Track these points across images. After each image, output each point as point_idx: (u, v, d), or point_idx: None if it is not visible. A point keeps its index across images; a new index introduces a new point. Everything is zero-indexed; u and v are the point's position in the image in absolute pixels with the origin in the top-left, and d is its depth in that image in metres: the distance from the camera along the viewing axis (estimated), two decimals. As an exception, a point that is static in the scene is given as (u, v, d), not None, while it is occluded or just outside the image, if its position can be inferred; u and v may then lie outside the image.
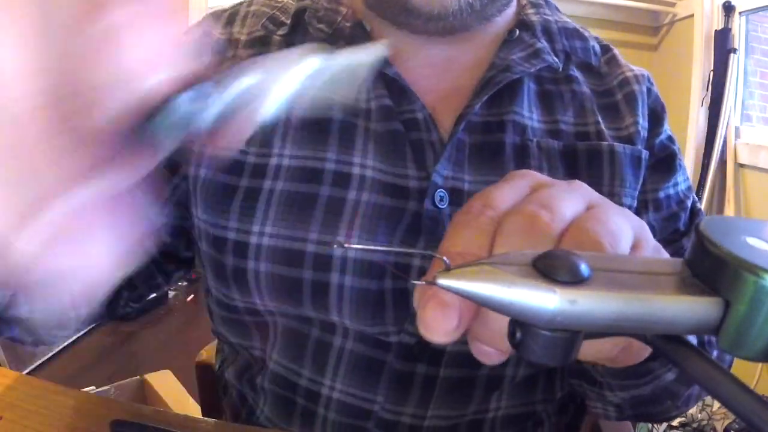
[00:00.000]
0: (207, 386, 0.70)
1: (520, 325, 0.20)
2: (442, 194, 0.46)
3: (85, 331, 2.06)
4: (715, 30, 2.05)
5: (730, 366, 0.55)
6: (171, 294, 2.41)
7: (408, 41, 0.49)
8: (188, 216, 0.51)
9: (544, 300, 0.19)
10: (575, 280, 0.19)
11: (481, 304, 0.20)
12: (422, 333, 0.23)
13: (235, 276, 0.47)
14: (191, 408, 1.26)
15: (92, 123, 0.16)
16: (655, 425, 1.55)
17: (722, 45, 2.02)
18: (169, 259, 0.55)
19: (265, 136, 0.48)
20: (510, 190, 0.27)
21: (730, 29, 2.01)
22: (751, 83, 2.06)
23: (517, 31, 0.51)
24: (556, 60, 0.51)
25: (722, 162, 2.00)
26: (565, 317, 0.19)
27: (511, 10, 0.52)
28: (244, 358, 0.54)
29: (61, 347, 1.92)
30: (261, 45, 0.51)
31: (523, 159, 0.48)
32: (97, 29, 0.16)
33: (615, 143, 0.50)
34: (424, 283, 0.22)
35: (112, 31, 0.16)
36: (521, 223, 0.24)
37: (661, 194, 0.52)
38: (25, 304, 0.39)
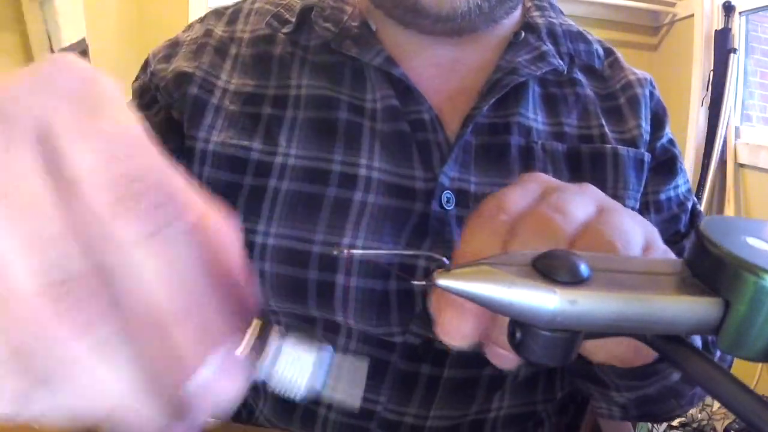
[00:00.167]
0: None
1: (520, 325, 0.20)
2: (448, 195, 0.46)
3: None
4: (715, 30, 2.05)
5: (729, 366, 0.55)
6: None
7: (414, 41, 0.49)
8: None
9: (544, 300, 0.19)
10: (575, 280, 0.19)
11: (480, 305, 0.20)
12: (440, 337, 0.23)
13: None
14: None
15: None
16: (655, 425, 1.55)
17: (722, 45, 2.01)
18: None
19: (270, 132, 0.48)
20: (522, 193, 0.27)
21: (730, 29, 2.01)
22: (751, 83, 2.05)
23: (523, 34, 0.51)
24: (561, 63, 0.51)
25: (722, 162, 2.00)
26: (565, 317, 0.19)
27: (517, 13, 0.52)
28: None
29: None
30: (265, 43, 0.51)
31: (528, 161, 0.48)
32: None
33: (618, 146, 0.50)
34: (424, 283, 0.22)
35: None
36: (535, 225, 0.24)
37: (662, 196, 0.53)
38: None
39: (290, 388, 0.20)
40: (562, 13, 0.56)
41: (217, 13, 0.55)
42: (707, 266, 0.19)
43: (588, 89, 0.52)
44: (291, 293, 0.46)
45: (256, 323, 0.20)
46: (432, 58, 0.50)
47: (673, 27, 2.35)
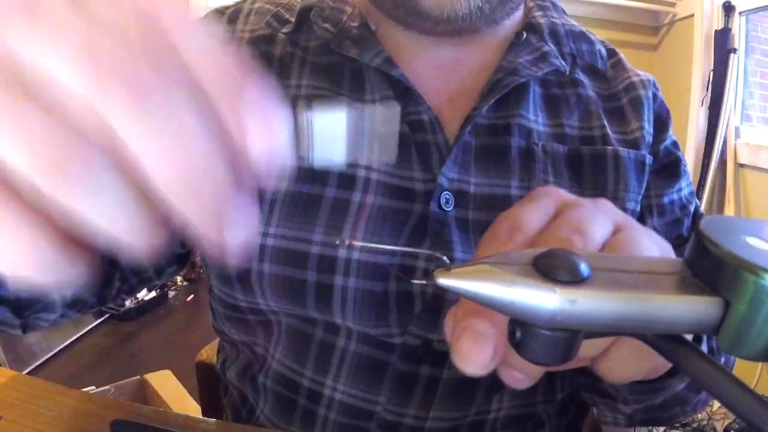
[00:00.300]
0: (207, 386, 0.70)
1: (520, 324, 0.20)
2: (447, 196, 0.46)
3: (85, 331, 2.06)
4: (715, 30, 2.05)
5: (731, 367, 0.55)
6: (171, 294, 2.41)
7: (415, 42, 0.49)
8: None
9: (544, 299, 0.19)
10: (575, 279, 0.19)
11: (480, 304, 0.20)
12: (458, 365, 0.22)
13: (239, 276, 0.47)
14: (191, 408, 1.26)
15: None
16: (656, 426, 1.55)
17: (722, 45, 2.02)
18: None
19: None
20: (536, 210, 0.27)
21: (730, 29, 2.01)
22: (751, 83, 2.06)
23: (525, 34, 0.51)
24: (563, 63, 0.51)
25: (722, 162, 2.00)
26: (565, 317, 0.19)
27: (518, 13, 0.52)
28: (246, 356, 0.54)
29: (61, 347, 1.92)
30: (266, 43, 0.51)
31: (528, 163, 0.48)
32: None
33: (620, 148, 0.50)
34: (424, 282, 0.22)
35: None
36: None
37: (665, 199, 0.52)
38: (7, 283, 0.38)
39: (330, 156, 0.20)
40: (564, 13, 0.55)
41: (218, 13, 0.55)
42: (707, 266, 0.19)
43: (590, 90, 0.52)
44: (290, 294, 0.46)
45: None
46: (432, 59, 0.50)
47: (673, 27, 2.35)
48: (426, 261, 0.45)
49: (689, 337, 0.21)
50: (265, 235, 0.46)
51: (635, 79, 0.54)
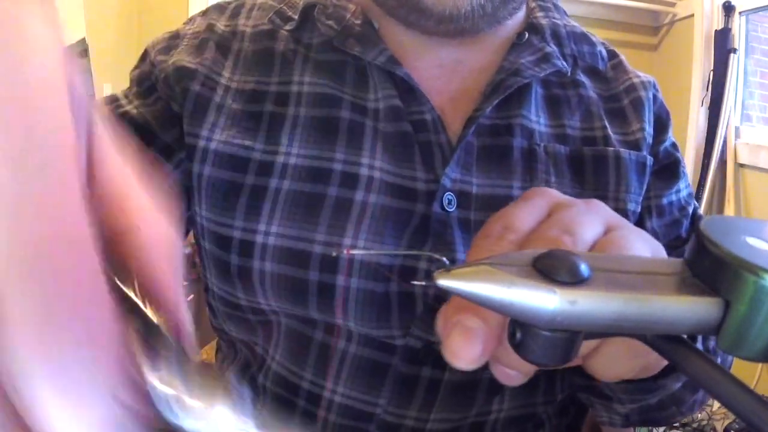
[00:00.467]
0: (207, 386, 0.70)
1: (520, 325, 0.20)
2: (450, 197, 0.45)
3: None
4: (715, 30, 2.05)
5: (729, 366, 0.55)
6: (171, 294, 2.41)
7: (417, 42, 0.49)
8: (184, 207, 0.51)
9: (544, 300, 0.19)
10: (575, 280, 0.19)
11: (480, 305, 0.20)
12: (448, 360, 0.23)
13: (239, 275, 0.47)
14: (191, 408, 1.26)
15: None
16: (655, 426, 1.55)
17: (722, 45, 2.02)
18: None
19: (272, 131, 0.48)
20: (529, 210, 0.27)
21: (730, 29, 2.01)
22: (751, 83, 2.06)
23: (527, 35, 0.51)
24: (565, 64, 0.51)
25: (722, 162, 2.01)
26: (565, 317, 0.19)
27: (520, 13, 0.52)
28: (244, 356, 0.54)
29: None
30: (268, 39, 0.51)
31: (530, 163, 0.48)
32: None
33: (621, 149, 0.50)
34: (424, 283, 0.22)
35: None
36: (543, 247, 0.24)
37: (664, 201, 0.52)
38: None
39: None
40: (566, 14, 0.55)
41: (220, 8, 0.55)
42: (707, 266, 0.19)
43: (591, 91, 0.52)
44: (291, 294, 0.45)
45: None
46: (435, 59, 0.50)
47: (673, 27, 2.35)
48: (427, 262, 0.45)
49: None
50: (266, 233, 0.46)
51: (636, 80, 0.54)
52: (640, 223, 0.52)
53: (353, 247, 0.44)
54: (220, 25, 0.52)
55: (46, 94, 0.14)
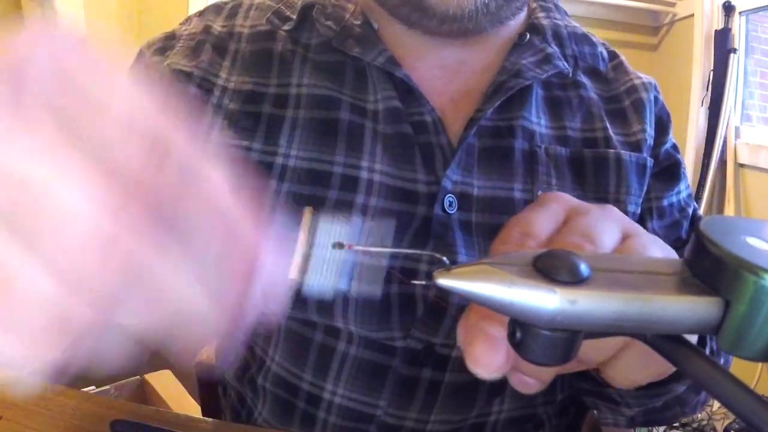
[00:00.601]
0: (207, 386, 0.70)
1: (520, 325, 0.20)
2: (451, 199, 0.45)
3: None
4: (715, 30, 2.05)
5: (728, 368, 0.55)
6: (171, 294, 2.41)
7: (418, 42, 0.48)
8: None
9: (544, 300, 0.19)
10: (575, 280, 0.19)
11: (481, 304, 0.20)
12: (471, 369, 0.23)
13: None
14: (191, 408, 1.26)
15: None
16: (655, 426, 1.55)
17: (722, 45, 2.01)
18: None
19: (271, 132, 0.47)
20: (546, 216, 0.27)
21: (730, 29, 2.01)
22: (751, 83, 2.05)
23: (528, 35, 0.50)
24: (567, 66, 0.50)
25: (722, 162, 2.00)
26: (565, 317, 0.19)
27: (522, 14, 0.52)
28: (244, 356, 0.54)
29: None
30: (265, 39, 0.51)
31: (531, 165, 0.47)
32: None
33: (621, 150, 0.50)
34: (424, 282, 0.22)
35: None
36: None
37: (665, 202, 0.52)
38: None
39: (320, 290, 0.22)
40: (566, 14, 0.55)
41: (217, 8, 0.54)
42: (707, 266, 0.19)
43: (592, 92, 0.52)
44: (291, 297, 0.45)
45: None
46: (435, 60, 0.49)
47: (673, 27, 2.34)
48: (428, 263, 0.45)
49: (693, 339, 0.21)
50: None
51: (637, 81, 0.54)
52: (640, 224, 0.52)
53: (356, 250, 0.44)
54: (217, 25, 0.52)
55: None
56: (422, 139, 0.46)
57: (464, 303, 0.39)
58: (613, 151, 0.50)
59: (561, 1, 0.57)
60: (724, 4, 2.03)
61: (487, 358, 0.22)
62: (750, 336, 0.18)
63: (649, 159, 0.51)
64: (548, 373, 0.25)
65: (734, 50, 1.99)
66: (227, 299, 0.19)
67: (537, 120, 0.49)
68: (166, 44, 0.52)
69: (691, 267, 0.20)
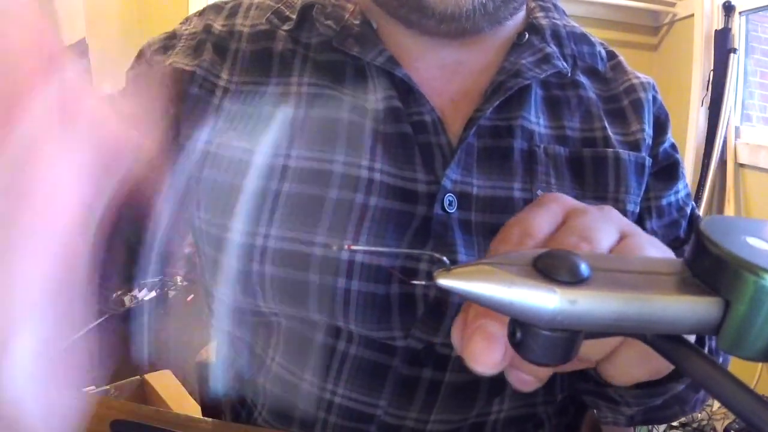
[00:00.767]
0: (207, 386, 0.70)
1: (520, 325, 0.20)
2: (451, 198, 0.45)
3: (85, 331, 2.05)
4: (715, 30, 2.05)
5: (727, 367, 0.55)
6: (171, 294, 2.41)
7: (417, 42, 0.49)
8: (181, 209, 0.50)
9: (545, 300, 0.19)
10: (575, 280, 0.19)
11: (480, 305, 0.20)
12: (469, 365, 0.23)
13: (238, 278, 0.47)
14: (191, 408, 1.26)
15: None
16: (655, 426, 1.55)
17: (722, 45, 2.01)
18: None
19: (271, 134, 0.47)
20: (544, 216, 0.27)
21: (730, 29, 2.01)
22: (751, 83, 2.05)
23: (527, 35, 0.50)
24: (566, 65, 0.50)
25: (722, 162, 2.00)
26: (565, 317, 0.19)
27: (521, 14, 0.52)
28: (244, 356, 0.54)
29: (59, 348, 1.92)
30: (266, 39, 0.51)
31: (530, 165, 0.48)
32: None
33: (620, 150, 0.50)
34: (424, 283, 0.22)
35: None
36: None
37: (664, 201, 0.53)
38: None
39: None
40: (565, 14, 0.55)
41: (217, 8, 0.54)
42: (707, 266, 0.19)
43: (590, 92, 0.52)
44: (292, 296, 0.45)
45: None
46: (434, 60, 0.49)
47: (673, 27, 2.35)
48: (428, 263, 0.45)
49: (692, 338, 0.21)
50: (266, 236, 0.45)
51: (635, 81, 0.54)
52: (639, 224, 0.52)
53: (354, 251, 0.44)
54: (217, 25, 0.52)
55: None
56: (422, 138, 0.47)
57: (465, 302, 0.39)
58: (611, 150, 0.50)
59: (560, 1, 0.57)
60: (724, 4, 2.03)
61: (485, 355, 0.22)
62: (750, 336, 0.18)
63: (647, 158, 0.51)
64: (546, 371, 0.25)
65: (734, 50, 1.99)
66: None
67: (536, 120, 0.49)
68: (167, 44, 0.52)
69: (691, 267, 0.20)
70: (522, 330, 0.20)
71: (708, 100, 2.06)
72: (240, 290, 0.47)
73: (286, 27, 0.51)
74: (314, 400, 0.48)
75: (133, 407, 0.47)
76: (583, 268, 0.19)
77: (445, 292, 0.21)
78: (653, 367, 0.27)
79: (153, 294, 2.31)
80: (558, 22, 0.53)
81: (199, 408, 0.72)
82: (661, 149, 0.53)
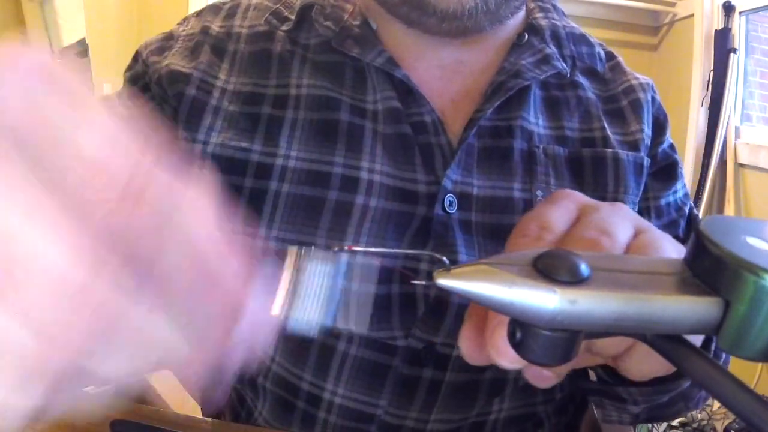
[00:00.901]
0: (207, 386, 0.70)
1: (520, 325, 0.20)
2: (451, 199, 0.45)
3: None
4: (715, 30, 2.05)
5: (726, 365, 0.55)
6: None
7: (417, 42, 0.48)
8: None
9: (545, 300, 0.19)
10: (575, 280, 0.19)
11: (481, 304, 0.20)
12: (494, 359, 0.23)
13: None
14: (191, 408, 1.26)
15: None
16: (655, 425, 1.55)
17: (722, 45, 2.01)
18: None
19: (270, 133, 0.47)
20: (561, 212, 0.27)
21: (730, 29, 2.01)
22: (751, 83, 2.05)
23: (526, 35, 0.51)
24: (565, 66, 0.51)
25: (722, 162, 2.00)
26: (565, 317, 0.19)
27: (521, 14, 0.52)
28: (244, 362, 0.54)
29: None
30: (264, 40, 0.50)
31: (530, 165, 0.48)
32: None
33: (619, 150, 0.50)
34: (424, 283, 0.22)
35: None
36: (582, 247, 0.25)
37: (663, 201, 0.53)
38: None
39: (306, 328, 0.22)
40: (564, 14, 0.55)
41: (215, 8, 0.54)
42: (707, 266, 0.19)
43: (590, 92, 0.52)
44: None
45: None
46: (435, 60, 0.49)
47: (673, 27, 2.35)
48: (429, 263, 0.45)
49: (698, 340, 0.21)
50: (266, 237, 0.45)
51: (634, 82, 0.54)
52: None
53: (354, 251, 0.44)
54: (215, 26, 0.52)
55: None
56: (422, 139, 0.47)
57: (465, 302, 0.39)
58: (611, 150, 0.50)
59: (561, 1, 0.57)
60: (724, 4, 2.03)
61: (510, 349, 0.23)
62: (750, 336, 0.18)
63: (646, 158, 0.52)
64: (564, 367, 0.25)
65: (734, 50, 1.99)
66: (210, 343, 0.19)
67: (535, 120, 0.49)
68: (163, 45, 0.52)
69: (691, 267, 0.20)
70: (522, 330, 0.20)
71: (708, 100, 2.06)
72: None
73: (284, 28, 0.50)
74: (314, 400, 0.48)
75: (133, 407, 0.47)
76: (583, 268, 0.19)
77: (446, 292, 0.21)
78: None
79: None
80: (557, 22, 0.53)
81: (199, 408, 0.72)
82: (659, 149, 0.53)
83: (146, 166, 0.17)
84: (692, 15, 2.15)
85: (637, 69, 0.57)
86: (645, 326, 0.19)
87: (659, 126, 0.54)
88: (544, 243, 0.25)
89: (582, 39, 0.54)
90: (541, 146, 0.48)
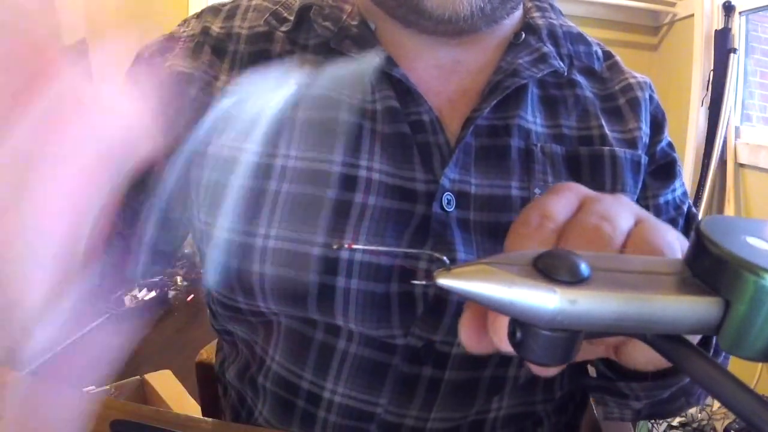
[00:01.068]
0: (207, 386, 0.70)
1: (520, 324, 0.20)
2: (449, 197, 0.46)
3: (85, 330, 2.05)
4: (715, 30, 2.05)
5: (726, 365, 0.55)
6: (171, 294, 2.41)
7: (415, 42, 0.49)
8: (180, 210, 0.50)
9: (545, 300, 0.19)
10: (575, 280, 0.19)
11: (481, 304, 0.20)
12: (496, 344, 0.23)
13: (239, 278, 0.47)
14: (191, 408, 1.26)
15: None
16: (655, 425, 1.55)
17: (722, 45, 2.02)
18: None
19: (270, 135, 0.48)
20: (562, 201, 0.28)
21: (730, 29, 2.01)
22: (751, 83, 2.06)
23: (523, 35, 0.51)
24: (562, 65, 0.51)
25: (722, 162, 2.00)
26: (565, 317, 0.19)
27: (518, 13, 0.52)
28: (244, 356, 0.54)
29: (60, 347, 1.92)
30: (264, 41, 0.51)
31: (528, 164, 0.48)
32: None
33: (617, 148, 0.50)
34: (424, 282, 0.22)
35: None
36: (585, 234, 0.25)
37: (661, 200, 0.53)
38: None
39: None
40: (561, 14, 0.56)
41: (214, 10, 0.54)
42: (707, 266, 0.19)
43: (587, 91, 0.53)
44: (291, 296, 0.45)
45: None
46: (432, 60, 0.50)
47: (673, 27, 2.35)
48: (427, 262, 0.45)
49: (695, 339, 0.21)
50: (266, 237, 0.46)
51: (632, 80, 0.54)
52: None
53: (354, 250, 0.45)
54: (215, 27, 0.52)
55: None
56: (420, 138, 0.47)
57: (465, 300, 0.39)
58: (608, 148, 0.50)
59: (561, 1, 0.57)
60: (724, 4, 2.03)
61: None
62: (750, 336, 0.18)
63: (643, 156, 0.52)
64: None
65: (734, 50, 2.00)
66: None
67: (533, 119, 0.49)
68: (164, 46, 0.52)
69: (691, 267, 0.20)
70: (522, 330, 0.20)
71: (708, 100, 2.06)
72: (240, 290, 0.47)
73: (283, 28, 0.51)
74: (314, 399, 0.48)
75: (133, 407, 0.47)
76: (583, 268, 0.19)
77: (445, 291, 0.21)
78: None
79: (153, 294, 2.31)
80: (554, 21, 0.53)
81: (199, 408, 0.72)
82: (658, 148, 0.53)
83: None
84: (692, 15, 2.15)
85: (637, 69, 0.57)
86: (645, 326, 0.19)
87: (657, 124, 0.54)
88: (545, 232, 0.25)
89: (579, 38, 0.54)
90: (539, 145, 0.48)
